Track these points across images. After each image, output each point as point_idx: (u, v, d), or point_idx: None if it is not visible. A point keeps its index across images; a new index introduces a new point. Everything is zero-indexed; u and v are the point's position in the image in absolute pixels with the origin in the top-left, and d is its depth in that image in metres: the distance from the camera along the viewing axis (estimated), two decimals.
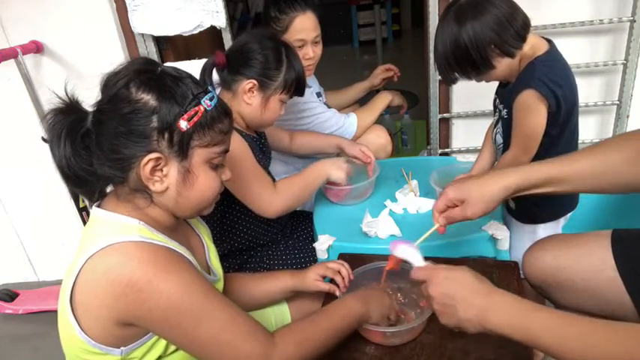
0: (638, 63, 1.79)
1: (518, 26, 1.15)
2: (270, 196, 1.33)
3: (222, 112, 0.86)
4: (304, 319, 0.93)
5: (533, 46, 1.21)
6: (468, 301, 0.81)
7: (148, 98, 0.79)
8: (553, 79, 1.17)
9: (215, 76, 1.37)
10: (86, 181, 0.84)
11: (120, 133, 0.80)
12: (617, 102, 1.87)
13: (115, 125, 0.80)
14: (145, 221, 0.84)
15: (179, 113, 0.80)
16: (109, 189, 0.89)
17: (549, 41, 1.24)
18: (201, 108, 0.82)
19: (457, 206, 1.01)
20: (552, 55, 1.22)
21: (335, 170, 1.44)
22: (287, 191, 1.37)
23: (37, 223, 2.25)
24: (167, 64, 1.94)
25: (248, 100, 1.34)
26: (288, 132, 1.70)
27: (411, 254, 0.97)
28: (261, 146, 1.46)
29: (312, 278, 1.13)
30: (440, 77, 1.31)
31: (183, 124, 0.80)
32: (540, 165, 0.99)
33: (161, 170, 0.83)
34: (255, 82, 1.32)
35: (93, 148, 0.82)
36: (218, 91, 1.40)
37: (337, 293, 1.09)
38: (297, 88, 1.38)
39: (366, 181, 1.50)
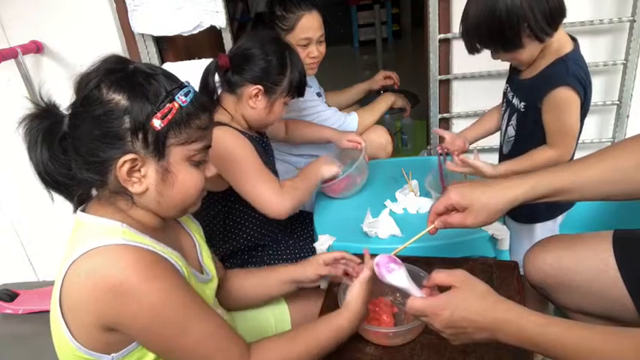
0: (638, 63, 1.79)
1: (554, 7, 1.14)
2: (278, 196, 1.32)
3: (200, 107, 0.83)
4: (286, 336, 0.92)
5: (560, 40, 1.21)
6: (477, 325, 0.78)
7: (119, 98, 0.77)
8: (583, 77, 1.18)
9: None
10: (66, 185, 0.82)
11: (94, 137, 0.78)
12: (617, 102, 1.87)
13: (89, 128, 0.78)
14: (128, 223, 0.82)
15: (152, 112, 0.78)
16: (94, 192, 0.86)
17: (575, 40, 1.24)
18: (176, 105, 0.79)
19: (457, 210, 0.97)
20: (579, 53, 1.23)
21: (325, 167, 1.45)
22: (293, 192, 1.36)
23: (37, 223, 2.25)
24: (167, 64, 1.95)
25: (253, 105, 1.34)
26: (284, 122, 1.71)
27: (407, 282, 0.89)
28: (265, 146, 1.47)
29: (315, 263, 1.10)
30: (464, 44, 1.26)
31: (156, 123, 0.78)
32: (548, 174, 0.95)
33: (139, 171, 0.80)
34: (261, 87, 1.32)
35: (70, 152, 0.80)
36: (218, 91, 1.40)
37: (345, 281, 1.06)
38: (299, 89, 1.39)
39: (353, 167, 1.50)
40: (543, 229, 1.39)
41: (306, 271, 1.11)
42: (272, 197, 1.31)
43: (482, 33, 1.19)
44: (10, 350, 2.06)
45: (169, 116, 0.79)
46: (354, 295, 0.96)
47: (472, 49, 1.25)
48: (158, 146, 0.79)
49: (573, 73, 1.18)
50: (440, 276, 0.84)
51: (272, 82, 1.33)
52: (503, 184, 0.96)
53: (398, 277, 0.90)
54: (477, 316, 0.78)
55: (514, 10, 1.13)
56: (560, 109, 1.20)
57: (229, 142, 1.28)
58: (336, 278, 1.10)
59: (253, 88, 1.32)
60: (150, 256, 0.79)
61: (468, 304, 0.79)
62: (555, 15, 1.15)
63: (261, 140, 1.46)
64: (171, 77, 0.82)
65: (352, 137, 1.58)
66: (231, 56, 1.36)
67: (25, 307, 2.20)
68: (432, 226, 1.00)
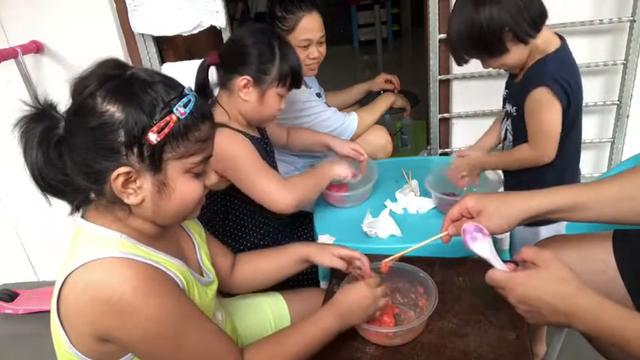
0: (638, 63, 1.79)
1: (535, 14, 1.16)
2: (282, 191, 1.31)
3: (200, 118, 0.79)
4: (274, 338, 0.92)
5: (546, 40, 1.21)
6: (552, 307, 0.78)
7: (114, 110, 0.74)
8: (564, 76, 1.18)
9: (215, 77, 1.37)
10: (62, 190, 0.80)
11: (89, 148, 0.75)
12: (617, 102, 1.87)
13: (84, 139, 0.75)
14: (126, 233, 0.80)
15: (147, 125, 0.74)
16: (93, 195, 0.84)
17: (562, 38, 1.25)
18: (173, 117, 0.75)
19: (472, 217, 0.97)
20: (563, 52, 1.23)
21: (337, 167, 1.44)
22: (298, 186, 1.35)
23: (37, 223, 2.25)
24: (167, 64, 1.95)
25: (245, 97, 1.32)
26: (286, 128, 1.70)
27: (489, 254, 0.90)
28: (265, 146, 1.46)
29: (331, 253, 1.11)
30: (453, 58, 1.30)
31: (152, 137, 0.74)
32: (565, 188, 0.95)
33: (134, 182, 0.78)
34: (249, 77, 1.30)
35: (66, 157, 0.77)
36: (217, 91, 1.40)
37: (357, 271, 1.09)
38: (293, 80, 1.35)
39: (366, 186, 1.49)
40: (548, 232, 1.38)
41: (322, 258, 1.12)
42: (275, 191, 1.30)
43: (465, 44, 1.20)
44: (10, 350, 2.06)
45: (166, 130, 0.75)
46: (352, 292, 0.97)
47: (460, 60, 1.27)
48: (154, 160, 0.76)
49: (551, 73, 1.18)
50: (529, 251, 0.85)
51: (260, 71, 1.30)
52: (519, 194, 0.96)
53: (481, 246, 0.91)
54: (553, 299, 0.78)
55: (493, 19, 1.14)
56: (536, 109, 1.21)
57: (226, 143, 1.26)
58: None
59: (241, 79, 1.30)
60: (147, 270, 0.78)
61: (546, 285, 0.79)
62: (537, 19, 1.17)
63: (262, 141, 1.46)
64: (170, 85, 0.78)
65: (356, 147, 1.56)
66: (221, 52, 1.35)
67: (25, 307, 2.20)
68: (446, 233, 1.01)
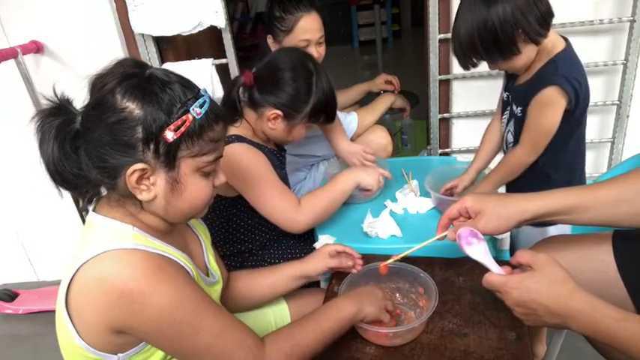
0: (638, 63, 1.79)
1: (544, 10, 1.15)
2: (295, 213, 1.30)
3: (214, 119, 0.82)
4: (294, 324, 0.92)
5: (552, 40, 1.21)
6: (548, 309, 0.79)
7: (133, 107, 0.76)
8: (574, 76, 1.18)
9: None
10: (75, 184, 0.82)
11: (105, 143, 0.77)
12: (617, 102, 1.87)
13: (101, 134, 0.77)
14: (138, 227, 0.82)
15: (165, 123, 0.77)
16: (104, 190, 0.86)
17: (566, 39, 1.25)
18: (190, 117, 0.78)
19: (470, 217, 0.98)
20: (571, 52, 1.23)
21: (366, 176, 1.40)
22: (314, 207, 1.33)
23: (37, 223, 2.25)
24: (167, 64, 1.95)
25: (272, 126, 1.33)
26: None
27: (485, 257, 0.91)
28: (281, 158, 1.46)
29: (321, 258, 1.14)
30: (458, 61, 1.26)
31: (169, 135, 0.77)
32: (562, 191, 0.95)
33: (148, 179, 0.80)
34: (280, 113, 1.30)
35: (81, 152, 0.80)
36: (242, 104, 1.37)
37: (354, 271, 1.11)
38: (326, 117, 1.37)
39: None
40: (557, 232, 1.38)
41: (316, 265, 1.14)
42: (288, 212, 1.30)
43: (477, 46, 1.18)
44: (10, 350, 2.06)
45: (182, 129, 0.78)
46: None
47: (467, 65, 1.24)
48: (169, 157, 0.79)
49: (562, 72, 1.18)
50: (524, 255, 0.85)
51: (293, 109, 1.30)
52: (518, 196, 0.97)
53: (476, 251, 0.92)
54: (548, 301, 0.79)
55: (506, 18, 1.13)
56: (541, 105, 1.20)
57: (246, 159, 1.27)
58: (341, 269, 1.14)
59: (272, 112, 1.30)
60: (159, 260, 0.79)
61: (540, 287, 0.80)
62: (546, 16, 1.16)
63: (278, 153, 1.45)
64: (187, 86, 0.81)
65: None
66: (257, 74, 1.33)
67: (25, 307, 2.19)
68: (444, 234, 1.01)
